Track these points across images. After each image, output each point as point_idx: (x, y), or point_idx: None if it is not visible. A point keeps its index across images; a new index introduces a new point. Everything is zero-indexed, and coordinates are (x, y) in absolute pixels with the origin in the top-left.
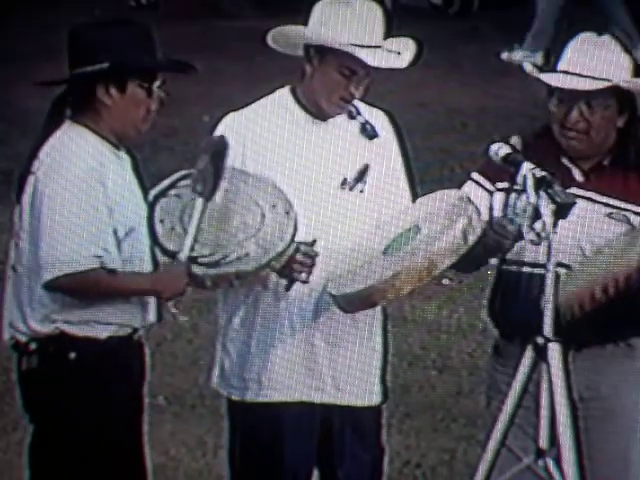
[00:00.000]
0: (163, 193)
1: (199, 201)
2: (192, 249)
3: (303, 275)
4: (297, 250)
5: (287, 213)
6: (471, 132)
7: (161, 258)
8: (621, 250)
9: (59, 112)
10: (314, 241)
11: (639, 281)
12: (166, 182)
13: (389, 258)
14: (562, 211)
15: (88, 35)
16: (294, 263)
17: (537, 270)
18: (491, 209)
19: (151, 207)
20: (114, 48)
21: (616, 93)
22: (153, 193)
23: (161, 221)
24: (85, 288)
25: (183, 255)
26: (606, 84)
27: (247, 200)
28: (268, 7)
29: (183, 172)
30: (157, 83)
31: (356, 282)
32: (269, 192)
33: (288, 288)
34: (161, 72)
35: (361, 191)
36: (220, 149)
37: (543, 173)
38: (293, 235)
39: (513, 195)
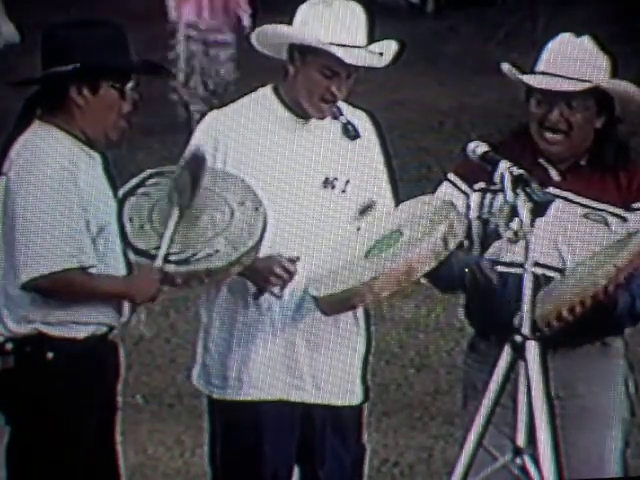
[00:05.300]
0: (131, 192)
1: (175, 210)
2: (166, 257)
3: (276, 289)
4: (278, 262)
5: (256, 209)
6: (448, 130)
7: (132, 257)
8: (602, 259)
9: (31, 112)
10: (297, 258)
11: (606, 301)
12: (134, 181)
13: (370, 261)
14: (540, 209)
15: (61, 35)
16: (271, 275)
17: (513, 270)
18: (468, 210)
19: (120, 206)
20: (86, 48)
21: (596, 94)
22: (122, 192)
23: (130, 220)
24: (61, 288)
25: (157, 263)
26: (589, 85)
27: (216, 197)
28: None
29: (150, 171)
30: (130, 85)
31: (337, 284)
32: (237, 189)
33: (257, 297)
34: (134, 74)
35: (343, 191)
36: (198, 160)
37: (521, 171)
38: (262, 231)
39: (489, 195)
